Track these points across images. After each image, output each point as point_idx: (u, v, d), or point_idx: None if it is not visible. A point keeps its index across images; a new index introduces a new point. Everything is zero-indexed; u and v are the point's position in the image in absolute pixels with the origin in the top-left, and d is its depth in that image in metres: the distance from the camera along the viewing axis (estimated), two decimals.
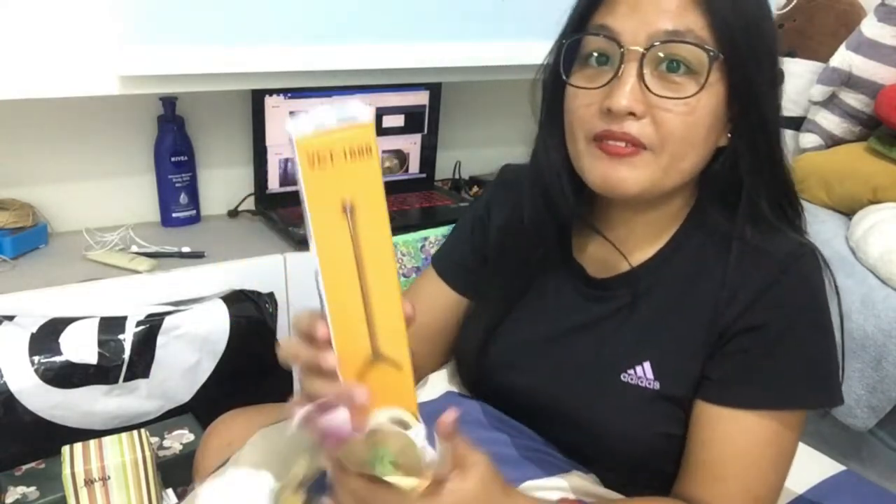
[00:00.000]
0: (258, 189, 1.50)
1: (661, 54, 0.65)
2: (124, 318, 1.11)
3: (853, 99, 1.55)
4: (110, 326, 1.10)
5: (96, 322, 1.10)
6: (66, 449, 0.94)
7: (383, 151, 1.58)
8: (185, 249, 1.31)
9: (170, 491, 1.02)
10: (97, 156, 1.41)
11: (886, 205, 1.39)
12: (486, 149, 1.80)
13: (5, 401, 1.04)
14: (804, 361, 0.68)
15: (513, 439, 0.76)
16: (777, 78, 0.70)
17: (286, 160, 1.47)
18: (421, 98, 1.57)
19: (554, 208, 0.77)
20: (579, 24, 0.70)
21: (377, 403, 0.53)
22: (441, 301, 0.88)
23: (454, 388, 0.87)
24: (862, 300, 1.26)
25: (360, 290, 0.51)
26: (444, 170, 1.73)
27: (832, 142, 1.61)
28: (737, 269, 0.69)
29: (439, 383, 0.87)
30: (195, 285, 1.22)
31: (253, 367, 1.22)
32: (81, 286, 1.16)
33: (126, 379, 1.11)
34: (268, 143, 1.45)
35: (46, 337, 1.07)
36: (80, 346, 1.07)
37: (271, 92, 1.40)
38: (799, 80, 1.66)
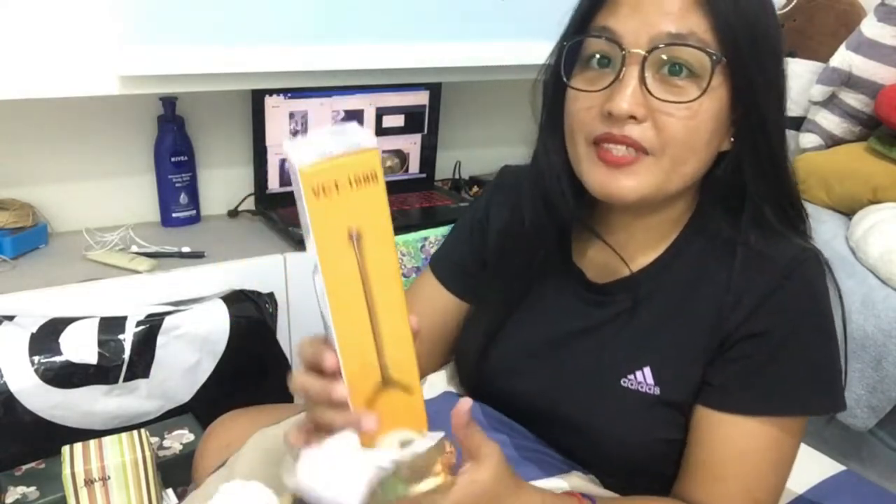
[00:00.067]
0: (258, 189, 1.50)
1: (663, 57, 0.64)
2: (124, 318, 1.11)
3: (853, 99, 1.55)
4: (110, 326, 1.10)
5: (96, 322, 1.10)
6: (66, 449, 0.94)
7: (383, 151, 1.58)
8: (185, 249, 1.31)
9: (170, 491, 1.02)
10: (97, 156, 1.41)
11: (886, 205, 1.39)
12: (486, 149, 1.80)
13: (5, 401, 1.04)
14: (807, 367, 0.67)
15: (512, 440, 0.76)
16: (782, 81, 0.69)
17: (286, 160, 1.47)
18: (421, 98, 1.57)
19: (554, 211, 0.76)
20: (581, 25, 0.69)
21: (387, 427, 0.53)
22: (440, 305, 0.87)
23: (453, 389, 0.87)
24: (862, 300, 1.26)
25: (368, 317, 0.51)
26: (444, 170, 1.73)
27: (832, 142, 1.61)
28: (741, 274, 0.68)
29: (438, 383, 0.87)
30: (195, 285, 1.22)
31: (253, 367, 1.22)
32: (81, 286, 1.16)
33: (126, 379, 1.11)
34: (268, 143, 1.45)
35: (46, 337, 1.07)
36: (80, 346, 1.07)
37: (271, 92, 1.40)
38: (799, 80, 1.66)
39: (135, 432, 0.98)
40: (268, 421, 0.81)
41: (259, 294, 1.24)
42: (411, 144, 1.62)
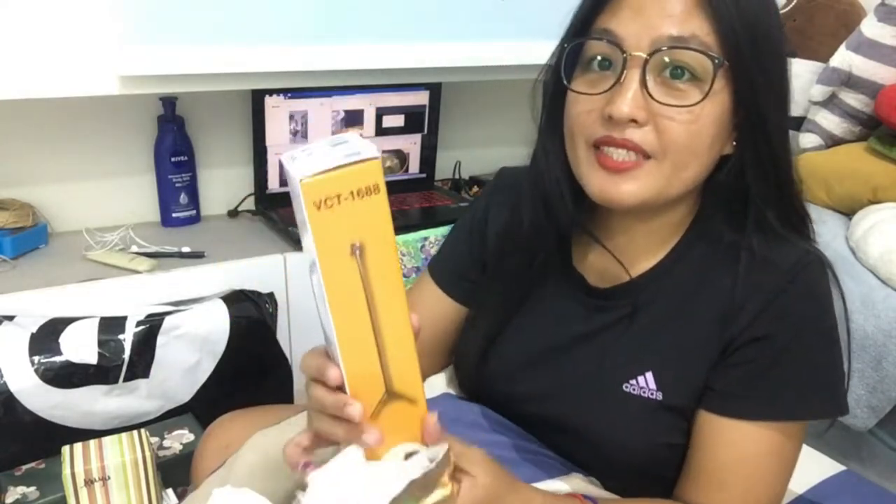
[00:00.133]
0: (258, 189, 1.50)
1: (665, 59, 0.63)
2: (124, 318, 1.11)
3: (853, 99, 1.55)
4: (110, 326, 1.10)
5: (96, 322, 1.10)
6: (66, 449, 0.94)
7: (383, 151, 1.58)
8: (185, 249, 1.31)
9: (170, 491, 1.02)
10: (97, 156, 1.41)
11: (886, 205, 1.39)
12: (486, 149, 1.80)
13: (5, 401, 1.04)
14: (810, 372, 0.67)
15: (513, 442, 0.75)
16: (785, 85, 0.68)
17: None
18: (421, 98, 1.57)
19: (553, 215, 0.75)
20: (581, 27, 0.68)
21: (392, 438, 0.53)
22: (439, 310, 0.86)
23: (452, 391, 0.86)
24: (862, 300, 1.26)
25: (372, 330, 0.50)
26: (444, 170, 1.73)
27: (832, 142, 1.61)
28: (745, 279, 0.68)
29: (437, 384, 0.87)
30: (195, 285, 1.22)
31: (253, 367, 1.22)
32: (81, 286, 1.16)
33: (126, 379, 1.11)
34: (268, 143, 1.45)
35: (46, 337, 1.07)
36: (80, 346, 1.07)
37: (271, 92, 1.39)
38: (799, 80, 1.66)
39: (135, 432, 0.98)
40: (267, 422, 0.81)
41: (259, 294, 1.24)
42: (411, 144, 1.62)
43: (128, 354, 1.10)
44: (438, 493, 0.52)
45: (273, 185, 1.50)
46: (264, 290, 1.25)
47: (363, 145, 0.47)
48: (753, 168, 0.68)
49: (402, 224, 1.39)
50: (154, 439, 1.08)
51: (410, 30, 1.36)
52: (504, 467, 0.59)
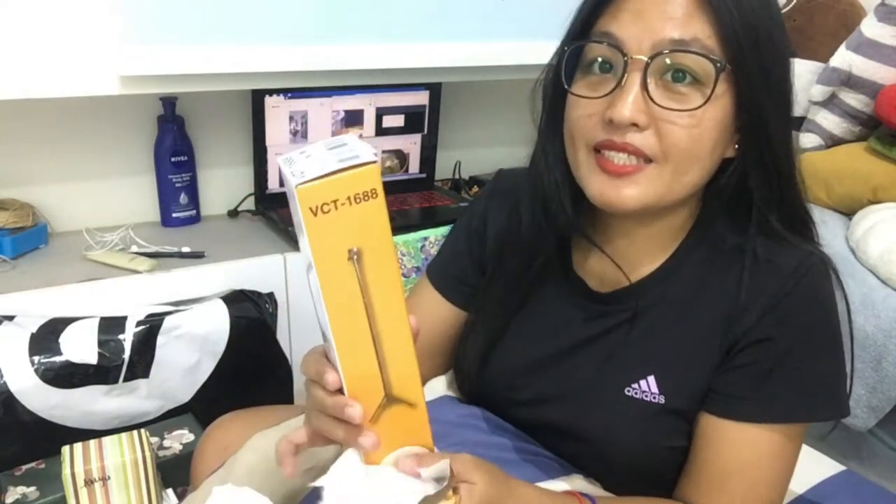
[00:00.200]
0: (258, 189, 1.50)
1: (667, 62, 0.62)
2: (124, 318, 1.11)
3: (853, 99, 1.55)
4: (110, 326, 1.10)
5: (96, 322, 1.10)
6: (66, 449, 0.94)
7: (383, 151, 1.58)
8: (185, 249, 1.31)
9: (170, 491, 1.02)
10: (97, 156, 1.41)
11: (886, 205, 1.39)
12: (486, 149, 1.80)
13: (5, 401, 1.04)
14: (812, 374, 0.67)
15: (513, 444, 0.75)
16: (788, 88, 0.67)
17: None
18: (421, 98, 1.57)
19: (553, 219, 0.74)
20: (582, 30, 0.68)
21: (391, 442, 0.53)
22: (439, 315, 0.85)
23: (452, 394, 0.86)
24: (862, 300, 1.26)
25: (371, 335, 0.50)
26: (444, 170, 1.73)
27: (832, 142, 1.61)
28: (748, 283, 0.67)
29: (438, 386, 0.87)
30: (195, 285, 1.22)
31: (253, 367, 1.22)
32: (81, 286, 1.16)
33: (126, 379, 1.11)
34: (268, 143, 1.45)
35: (46, 337, 1.07)
36: (80, 346, 1.07)
37: (271, 92, 1.39)
38: (799, 80, 1.65)
39: (135, 432, 0.98)
40: (266, 423, 0.81)
41: (259, 294, 1.24)
42: (411, 144, 1.62)
43: (128, 354, 1.10)
44: None
45: (273, 185, 1.50)
46: (264, 290, 1.25)
47: (361, 148, 0.47)
48: (756, 171, 0.67)
49: (402, 224, 1.39)
50: (154, 439, 1.08)
51: (410, 30, 1.36)
52: (497, 467, 0.59)
